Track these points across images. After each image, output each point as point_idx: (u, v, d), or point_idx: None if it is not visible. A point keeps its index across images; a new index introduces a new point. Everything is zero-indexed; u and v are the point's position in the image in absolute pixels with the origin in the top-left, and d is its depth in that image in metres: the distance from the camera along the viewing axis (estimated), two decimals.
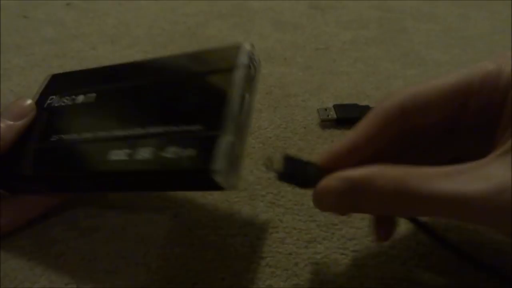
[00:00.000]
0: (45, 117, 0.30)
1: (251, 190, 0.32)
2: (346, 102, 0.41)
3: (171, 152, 0.23)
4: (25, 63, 0.47)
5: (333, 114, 0.38)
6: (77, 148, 0.26)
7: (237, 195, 0.31)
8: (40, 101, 0.31)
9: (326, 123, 0.38)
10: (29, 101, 0.30)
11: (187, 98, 0.25)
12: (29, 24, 0.55)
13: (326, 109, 0.39)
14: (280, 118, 0.39)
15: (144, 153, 0.23)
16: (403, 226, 0.29)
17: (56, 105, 0.30)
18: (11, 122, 0.29)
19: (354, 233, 0.29)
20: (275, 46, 0.52)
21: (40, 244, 0.28)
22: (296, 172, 0.23)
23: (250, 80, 0.25)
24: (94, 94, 0.29)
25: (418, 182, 0.19)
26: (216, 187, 0.22)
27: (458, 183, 0.18)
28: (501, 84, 0.20)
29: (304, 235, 0.29)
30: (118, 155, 0.24)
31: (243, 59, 0.25)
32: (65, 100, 0.30)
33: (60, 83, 0.32)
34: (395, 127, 0.21)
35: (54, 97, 0.31)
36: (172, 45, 0.51)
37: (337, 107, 0.39)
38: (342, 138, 0.22)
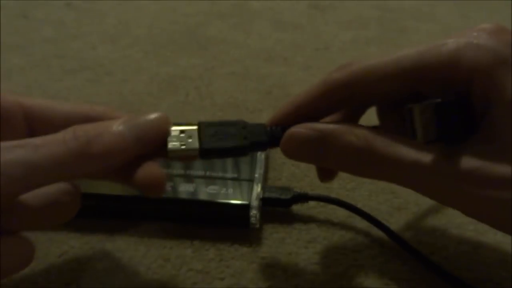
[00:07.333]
0: None
1: None
2: None
3: (212, 189, 0.29)
4: (25, 63, 0.47)
5: None
6: None
7: None
8: None
9: None
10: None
11: None
12: (29, 24, 0.55)
13: None
14: None
15: (189, 187, 0.29)
16: (404, 227, 0.29)
17: None
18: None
19: (354, 233, 0.29)
20: (275, 46, 0.52)
21: (40, 244, 0.28)
22: (261, 138, 0.24)
23: None
24: None
25: (384, 144, 0.20)
26: (244, 223, 0.28)
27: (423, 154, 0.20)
28: (459, 74, 0.19)
29: (304, 235, 0.29)
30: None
31: None
32: None
33: None
34: (341, 95, 0.22)
35: None
36: (172, 45, 0.51)
37: None
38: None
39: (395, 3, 0.63)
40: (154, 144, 0.21)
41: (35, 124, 0.23)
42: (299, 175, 0.33)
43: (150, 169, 0.21)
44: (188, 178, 0.30)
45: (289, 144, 0.22)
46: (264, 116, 0.39)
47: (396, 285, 0.26)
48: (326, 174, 0.26)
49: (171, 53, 0.50)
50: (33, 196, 0.21)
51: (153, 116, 0.22)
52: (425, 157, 0.20)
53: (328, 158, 0.22)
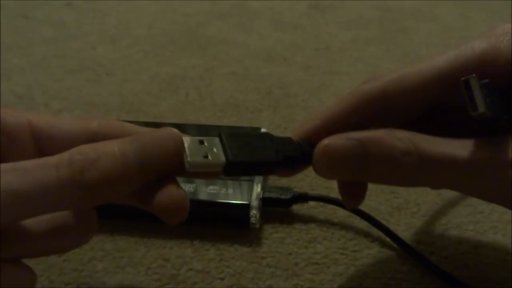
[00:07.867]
0: None
1: None
2: None
3: (212, 189, 0.29)
4: (25, 63, 0.47)
5: None
6: None
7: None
8: None
9: None
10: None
11: None
12: (29, 24, 0.55)
13: None
14: (280, 118, 0.39)
15: (189, 187, 0.29)
16: (404, 227, 0.29)
17: None
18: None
19: (354, 233, 0.29)
20: (275, 46, 0.52)
21: None
22: (294, 153, 0.21)
23: None
24: None
25: (432, 144, 0.18)
26: (244, 223, 0.28)
27: (466, 149, 0.18)
28: (497, 67, 0.19)
29: (304, 235, 0.29)
30: None
31: None
32: None
33: None
34: (374, 108, 0.20)
35: None
36: (172, 45, 0.51)
37: None
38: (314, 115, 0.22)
39: (395, 3, 0.63)
40: (165, 167, 0.18)
41: (42, 142, 0.21)
42: (299, 175, 0.33)
43: (169, 194, 0.18)
44: (189, 178, 0.30)
45: (325, 159, 0.19)
46: (264, 116, 0.39)
47: (396, 285, 0.26)
48: (354, 197, 0.23)
49: (171, 53, 0.50)
50: (36, 219, 0.19)
51: (162, 132, 0.18)
52: (476, 151, 0.18)
53: (370, 170, 0.19)
